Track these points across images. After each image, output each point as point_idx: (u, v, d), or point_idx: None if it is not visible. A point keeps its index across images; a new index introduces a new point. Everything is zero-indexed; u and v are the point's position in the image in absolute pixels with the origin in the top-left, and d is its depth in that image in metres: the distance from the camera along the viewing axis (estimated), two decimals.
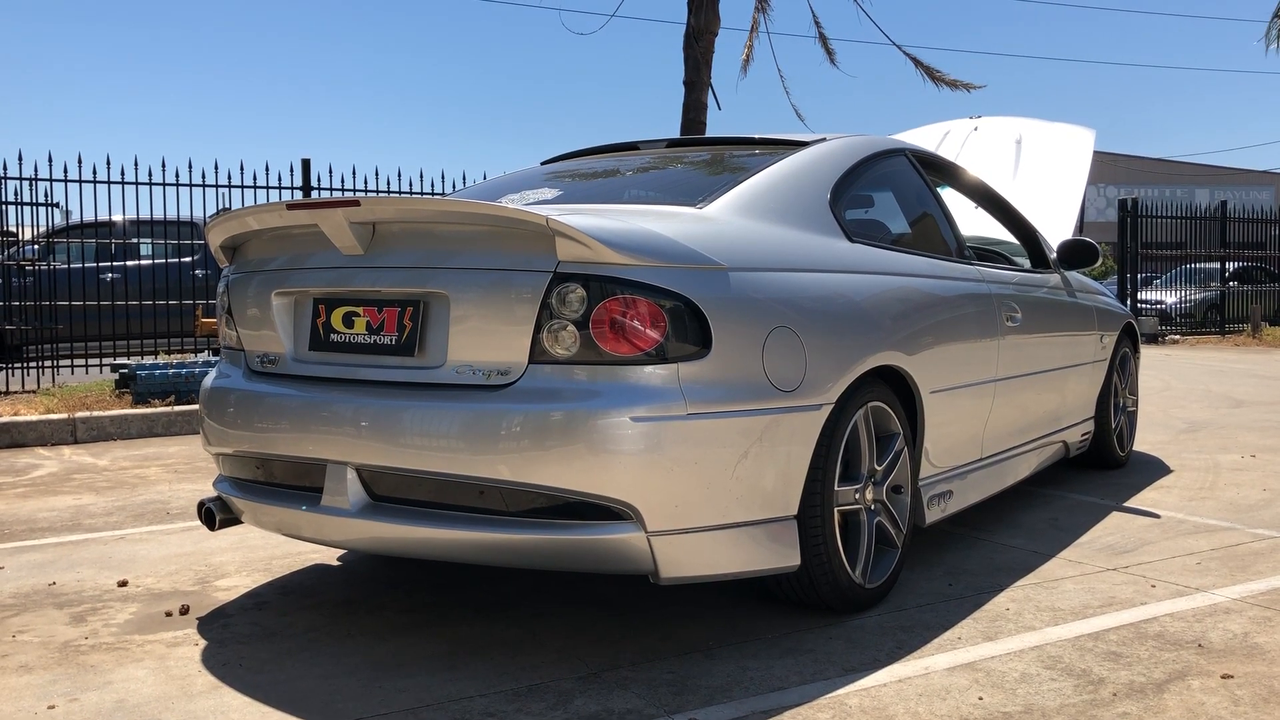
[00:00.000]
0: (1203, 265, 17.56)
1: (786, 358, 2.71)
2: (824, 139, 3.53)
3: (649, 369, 2.50)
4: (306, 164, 10.26)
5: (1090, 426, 4.94)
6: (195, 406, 7.08)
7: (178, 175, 9.39)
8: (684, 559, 2.56)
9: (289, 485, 2.91)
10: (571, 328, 2.50)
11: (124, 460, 5.92)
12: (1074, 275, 4.85)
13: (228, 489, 3.08)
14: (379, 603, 3.18)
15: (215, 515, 3.06)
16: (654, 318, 2.49)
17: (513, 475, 2.49)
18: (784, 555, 2.73)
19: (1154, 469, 5.26)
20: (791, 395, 2.71)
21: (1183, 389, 9.02)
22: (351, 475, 2.69)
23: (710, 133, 11.87)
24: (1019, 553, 3.67)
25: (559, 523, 2.52)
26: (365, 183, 10.33)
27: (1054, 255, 4.66)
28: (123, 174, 9.07)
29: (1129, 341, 5.38)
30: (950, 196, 4.48)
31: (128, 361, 8.04)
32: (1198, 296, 17.97)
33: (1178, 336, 16.05)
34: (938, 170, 4.15)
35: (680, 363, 2.52)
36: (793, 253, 2.93)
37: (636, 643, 2.79)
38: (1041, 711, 2.35)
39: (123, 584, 3.41)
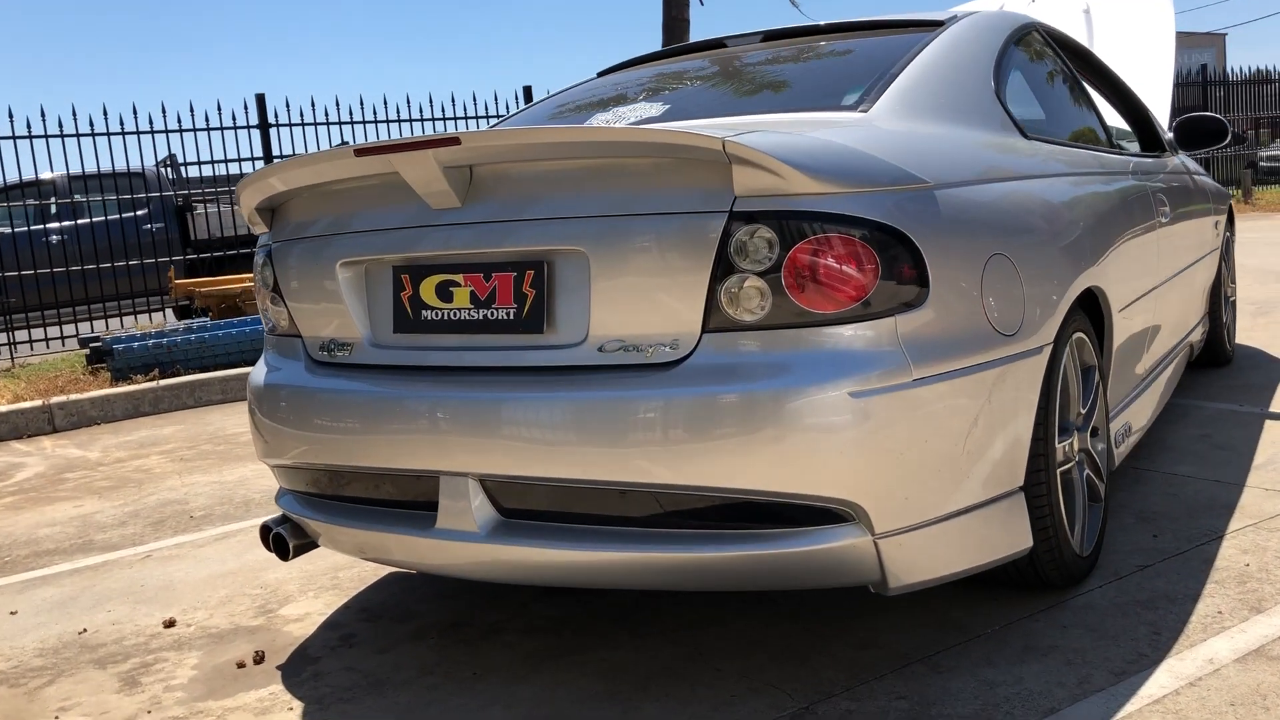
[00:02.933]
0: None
1: (1006, 293, 2.15)
2: (954, 16, 2.93)
3: (862, 328, 1.93)
4: (261, 99, 9.45)
5: (1207, 324, 4.46)
6: (182, 380, 6.42)
7: (122, 123, 8.55)
8: (915, 561, 2.03)
9: (384, 501, 2.32)
10: (759, 282, 1.92)
11: (117, 450, 5.27)
12: (1183, 157, 4.32)
13: (296, 507, 2.50)
14: (491, 623, 2.63)
15: (288, 543, 2.48)
16: (864, 259, 1.92)
17: (691, 479, 1.93)
18: (1016, 538, 2.21)
19: (1260, 363, 4.81)
20: (1014, 339, 2.16)
21: None
22: (476, 489, 2.12)
23: (694, 34, 11.09)
24: (1199, 484, 3.19)
25: (759, 533, 1.97)
26: (326, 114, 9.55)
27: (1169, 136, 4.12)
28: (60, 126, 8.22)
29: (1228, 224, 4.88)
30: None
31: (100, 334, 7.30)
32: None
33: None
34: (1062, 46, 3.56)
35: (897, 315, 1.95)
36: (984, 158, 2.36)
37: (832, 655, 2.28)
38: None
39: (169, 624, 2.83)
